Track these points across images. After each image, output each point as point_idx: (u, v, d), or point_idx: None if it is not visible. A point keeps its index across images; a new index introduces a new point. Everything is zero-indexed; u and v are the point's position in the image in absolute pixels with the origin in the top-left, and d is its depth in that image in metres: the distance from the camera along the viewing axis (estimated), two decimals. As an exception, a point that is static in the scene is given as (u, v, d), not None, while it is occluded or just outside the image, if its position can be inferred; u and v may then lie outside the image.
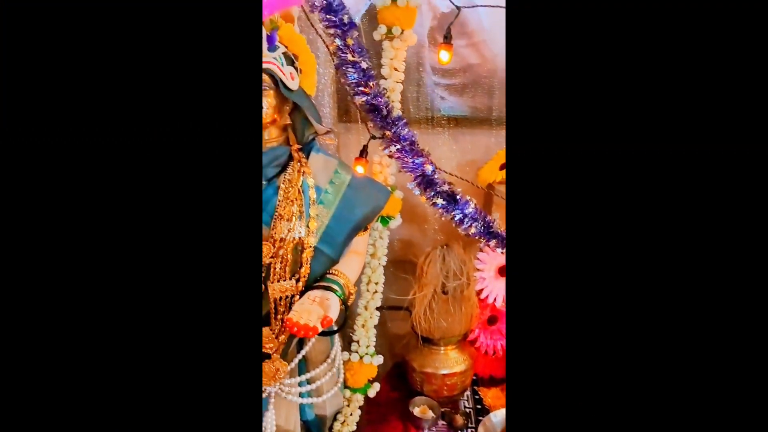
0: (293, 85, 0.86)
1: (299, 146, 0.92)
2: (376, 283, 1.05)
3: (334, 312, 0.82)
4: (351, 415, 1.05)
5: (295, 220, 0.85)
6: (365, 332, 1.05)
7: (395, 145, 0.99)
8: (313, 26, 1.00)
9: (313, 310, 0.81)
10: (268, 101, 0.85)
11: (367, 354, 1.05)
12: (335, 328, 0.86)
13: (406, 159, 1.01)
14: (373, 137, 1.02)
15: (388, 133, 0.98)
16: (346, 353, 1.05)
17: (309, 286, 0.87)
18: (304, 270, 0.86)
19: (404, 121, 0.99)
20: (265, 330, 0.88)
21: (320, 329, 0.79)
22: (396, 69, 1.01)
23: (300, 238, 0.85)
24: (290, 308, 0.87)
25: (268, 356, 0.89)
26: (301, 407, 0.94)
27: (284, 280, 0.85)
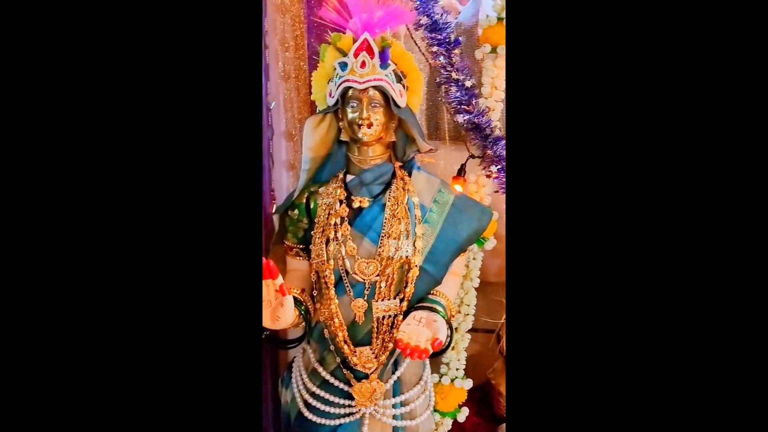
0: (402, 102, 0.86)
1: (400, 164, 0.92)
2: (468, 305, 1.03)
3: (442, 334, 0.80)
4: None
5: (402, 239, 0.84)
6: (456, 354, 1.02)
7: (495, 165, 0.98)
8: (416, 44, 1.00)
9: (422, 332, 0.79)
10: (378, 118, 0.84)
11: (457, 377, 1.03)
12: (447, 342, 0.85)
13: (504, 179, 0.99)
14: (472, 156, 1.01)
15: (489, 152, 0.97)
16: (435, 375, 1.03)
17: (411, 307, 0.86)
18: (409, 290, 0.84)
19: (504, 141, 0.98)
20: (365, 350, 0.86)
21: (431, 351, 0.78)
22: (496, 88, 1.00)
23: (407, 257, 0.84)
24: (392, 328, 0.86)
25: (366, 376, 0.88)
26: (394, 429, 0.92)
27: (388, 299, 0.84)
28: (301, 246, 0.91)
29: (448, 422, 1.03)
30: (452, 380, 1.02)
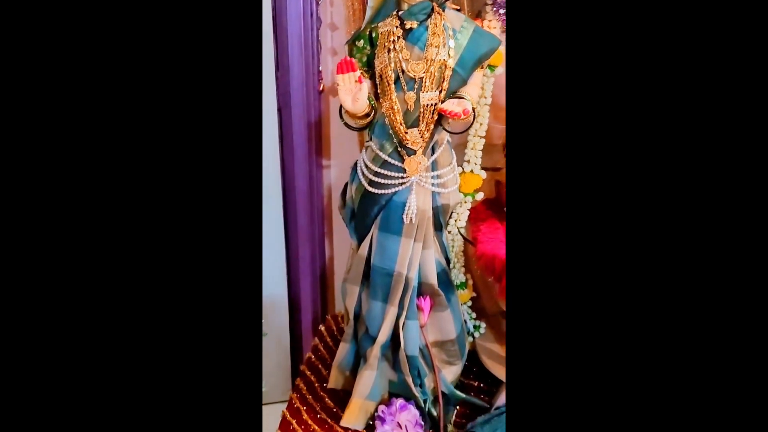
0: (438, -46, 1.20)
1: (437, 3, 1.26)
2: (482, 116, 1.40)
3: (469, 108, 1.17)
4: (462, 213, 1.43)
5: (441, 48, 1.20)
6: (474, 151, 1.40)
7: (502, 9, 1.33)
8: None
9: (457, 103, 1.17)
10: (422, -35, 1.19)
11: (474, 169, 1.41)
12: (471, 120, 1.23)
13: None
14: (486, 4, 1.35)
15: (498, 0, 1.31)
16: (459, 168, 1.41)
17: (447, 98, 1.23)
18: (445, 84, 1.21)
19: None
20: (415, 131, 1.24)
21: (462, 116, 1.15)
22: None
23: (444, 60, 1.20)
24: (433, 113, 1.23)
25: (414, 152, 1.25)
26: (432, 195, 1.31)
27: (431, 92, 1.21)
28: (365, 69, 1.27)
29: (469, 200, 1.43)
30: (471, 170, 1.41)
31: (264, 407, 1.31)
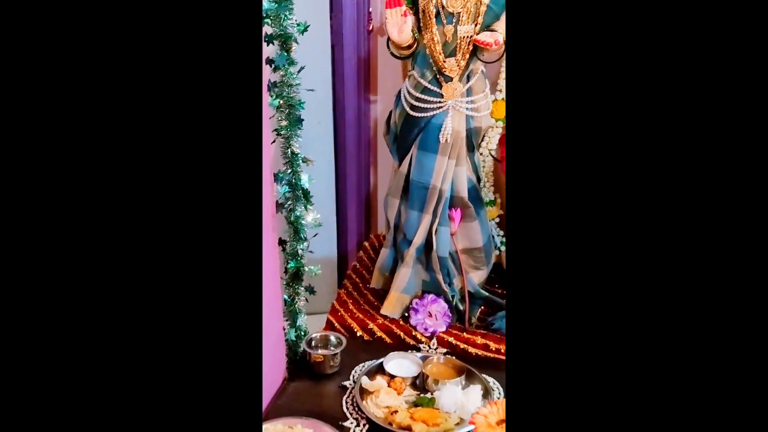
0: None
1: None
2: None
3: (501, 40, 1.34)
4: (493, 137, 1.62)
5: (478, -14, 1.37)
6: (505, 79, 1.58)
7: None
8: None
9: (490, 35, 1.34)
10: None
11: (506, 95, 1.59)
12: (503, 51, 1.40)
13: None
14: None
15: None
16: (492, 96, 1.58)
17: (481, 31, 1.40)
18: (480, 19, 1.38)
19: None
20: (452, 60, 1.41)
21: (494, 46, 1.32)
22: None
23: (481, -3, 1.37)
24: (468, 44, 1.40)
25: (452, 79, 1.43)
26: (466, 118, 1.49)
27: (468, 25, 1.38)
28: (410, 5, 1.44)
29: (500, 125, 1.61)
30: (503, 98, 1.58)
31: (309, 317, 1.55)
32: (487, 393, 1.28)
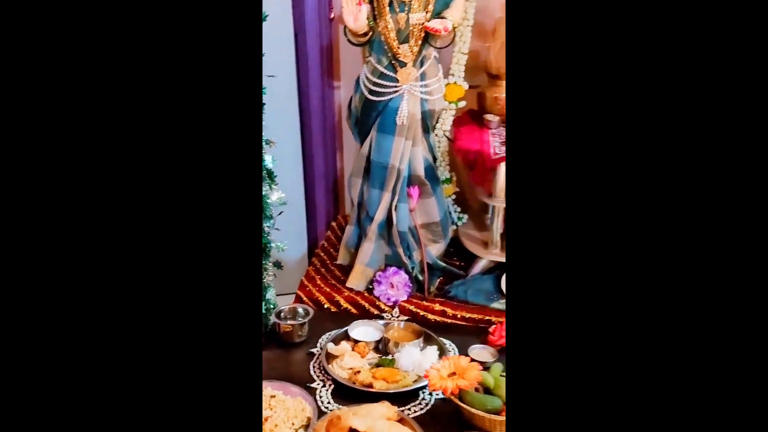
0: None
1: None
2: (463, 36, 1.66)
3: (449, 26, 1.44)
4: (447, 118, 1.72)
5: (427, -26, 1.46)
6: (458, 66, 1.68)
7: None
8: None
9: (439, 22, 1.44)
10: None
11: (458, 81, 1.69)
12: (452, 37, 1.49)
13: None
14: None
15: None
16: (444, 80, 1.68)
17: (431, 19, 1.49)
18: (431, 7, 1.48)
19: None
20: (406, 46, 1.51)
21: (443, 33, 1.42)
22: None
23: (431, -14, 1.46)
24: (421, 32, 1.49)
25: (405, 64, 1.53)
26: (421, 101, 1.59)
27: (419, 13, 1.47)
28: None
29: (453, 107, 1.71)
30: (455, 82, 1.68)
31: (282, 297, 1.65)
32: (443, 353, 1.40)
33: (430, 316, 1.58)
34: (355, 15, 1.45)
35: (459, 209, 1.88)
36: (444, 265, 1.74)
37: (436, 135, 1.76)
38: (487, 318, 1.54)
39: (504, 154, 1.58)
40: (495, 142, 1.61)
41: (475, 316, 1.56)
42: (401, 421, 1.16)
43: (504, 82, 1.72)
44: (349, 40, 1.57)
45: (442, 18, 1.49)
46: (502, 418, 1.12)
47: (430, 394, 1.30)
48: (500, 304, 1.59)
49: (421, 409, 1.27)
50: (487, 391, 1.20)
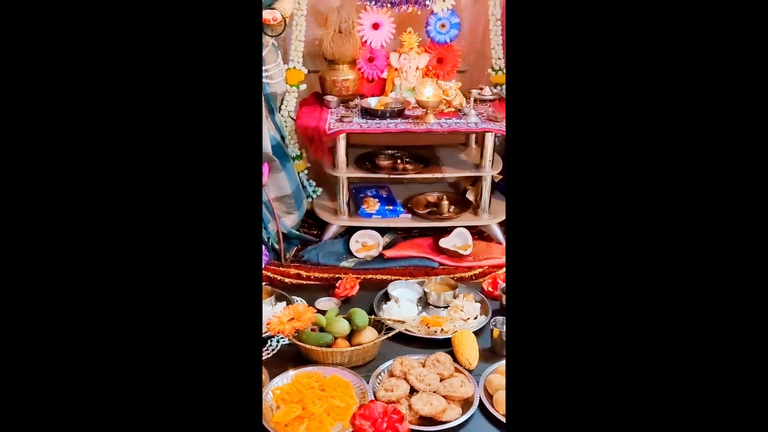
0: None
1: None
2: (298, 23, 1.83)
3: (278, 16, 1.59)
4: (290, 100, 1.89)
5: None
6: (296, 53, 1.84)
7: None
8: None
9: (269, 12, 1.58)
10: None
11: (297, 65, 1.85)
12: (284, 26, 1.65)
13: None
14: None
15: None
16: (285, 65, 1.84)
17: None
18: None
19: None
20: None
21: (272, 22, 1.57)
22: None
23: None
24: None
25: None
26: (263, 85, 1.73)
27: None
28: None
29: (295, 91, 1.88)
30: (294, 67, 1.86)
31: None
32: (292, 307, 1.57)
33: (287, 280, 1.75)
34: None
35: (315, 183, 2.05)
36: (298, 233, 1.90)
37: (282, 116, 1.92)
38: (337, 276, 1.73)
39: (338, 129, 1.76)
40: (331, 120, 1.79)
41: (326, 275, 1.75)
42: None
43: (341, 66, 1.91)
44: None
45: (272, 9, 1.64)
46: (333, 350, 1.32)
47: (278, 341, 1.46)
48: (348, 263, 1.79)
49: (268, 354, 1.44)
50: (323, 330, 1.39)
